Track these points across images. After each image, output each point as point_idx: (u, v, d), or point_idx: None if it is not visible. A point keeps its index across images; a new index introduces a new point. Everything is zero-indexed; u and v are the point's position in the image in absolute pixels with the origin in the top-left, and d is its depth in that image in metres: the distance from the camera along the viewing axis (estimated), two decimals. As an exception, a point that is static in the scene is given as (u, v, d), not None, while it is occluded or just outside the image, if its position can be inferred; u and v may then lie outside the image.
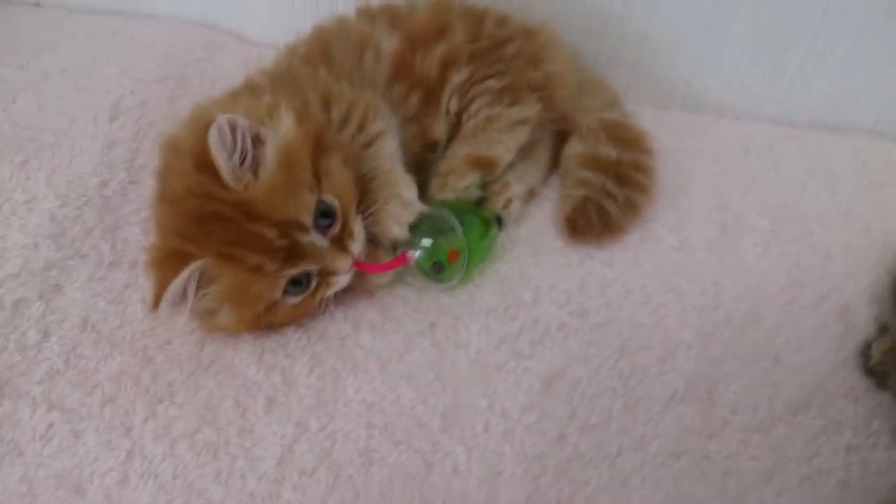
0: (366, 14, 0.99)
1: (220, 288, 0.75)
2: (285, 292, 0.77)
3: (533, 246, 0.95)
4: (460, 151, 0.93)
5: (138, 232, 0.91)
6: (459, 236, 0.84)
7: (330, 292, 0.80)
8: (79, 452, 0.73)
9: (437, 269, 0.85)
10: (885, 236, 0.99)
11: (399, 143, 0.87)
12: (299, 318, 0.82)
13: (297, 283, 0.77)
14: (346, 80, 0.90)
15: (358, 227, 0.79)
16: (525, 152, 0.98)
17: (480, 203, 0.95)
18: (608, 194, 0.96)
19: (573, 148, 1.01)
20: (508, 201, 0.95)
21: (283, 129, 0.75)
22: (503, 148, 0.94)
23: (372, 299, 0.87)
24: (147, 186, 0.95)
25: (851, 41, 1.11)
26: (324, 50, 0.94)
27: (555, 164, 1.04)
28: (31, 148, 0.98)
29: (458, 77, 0.94)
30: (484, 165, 0.93)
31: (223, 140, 0.71)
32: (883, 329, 0.86)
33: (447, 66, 0.94)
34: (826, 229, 1.00)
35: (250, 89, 0.88)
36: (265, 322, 0.79)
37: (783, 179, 1.07)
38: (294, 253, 0.75)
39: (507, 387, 0.80)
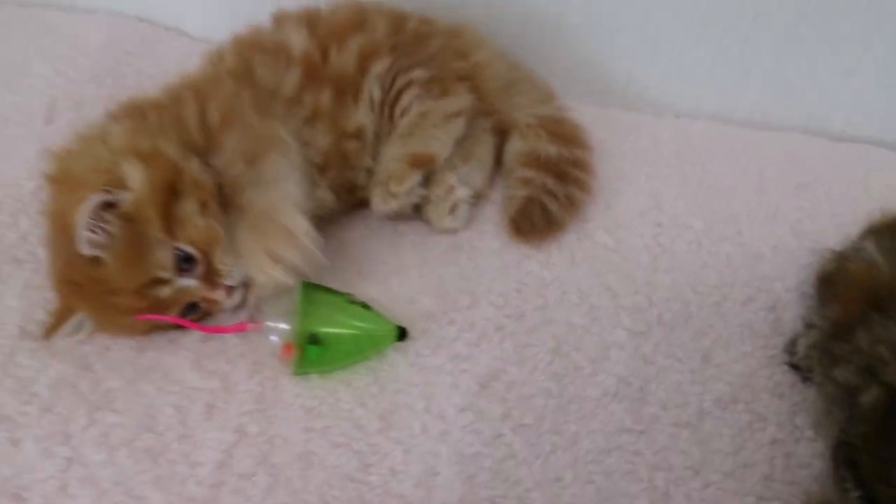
0: (279, 19, 0.98)
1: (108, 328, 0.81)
2: (182, 314, 0.79)
3: (470, 248, 0.96)
4: (397, 152, 0.93)
5: (76, 237, 0.90)
6: (294, 331, 0.79)
7: (222, 309, 0.83)
8: (17, 460, 0.73)
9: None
10: (813, 236, 1.02)
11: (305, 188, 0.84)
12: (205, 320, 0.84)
13: (192, 307, 0.80)
14: (270, 97, 0.88)
15: (226, 264, 0.79)
16: (466, 154, 0.99)
17: (421, 207, 0.96)
18: (550, 193, 0.97)
19: (515, 146, 1.03)
20: (454, 206, 0.95)
21: (133, 185, 0.75)
22: (439, 143, 0.94)
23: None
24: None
25: (781, 40, 1.14)
26: (247, 66, 0.90)
27: (497, 163, 1.05)
28: (-38, 151, 0.97)
29: (379, 66, 0.93)
30: (423, 163, 0.93)
31: (89, 231, 0.73)
32: (809, 326, 0.90)
33: (366, 57, 0.93)
34: (756, 230, 1.04)
35: (141, 113, 0.84)
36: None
37: (715, 180, 1.10)
38: (162, 304, 0.77)
39: (444, 389, 0.82)
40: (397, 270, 0.92)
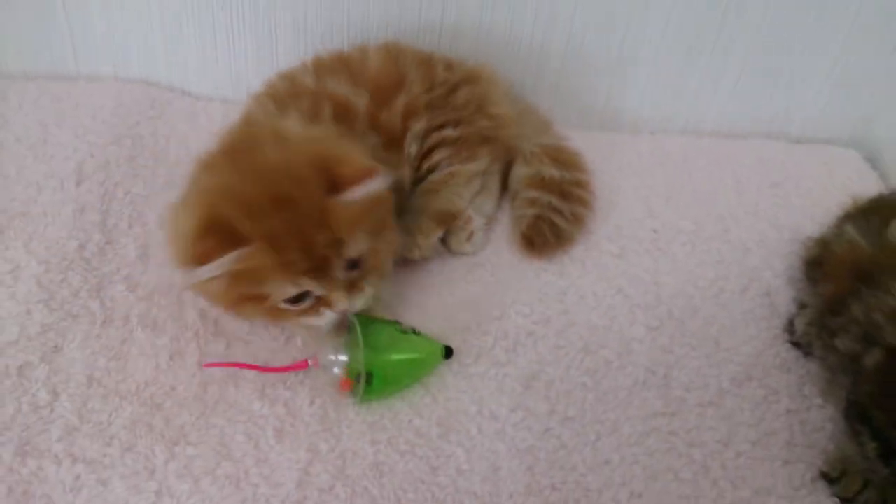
0: (321, 68, 1.03)
1: (241, 267, 0.78)
2: (296, 299, 0.83)
3: (492, 266, 1.05)
4: (425, 207, 1.01)
5: (123, 289, 0.96)
6: (356, 362, 0.85)
7: (310, 320, 0.86)
8: (109, 499, 0.77)
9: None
10: (791, 227, 1.13)
11: None
12: (270, 322, 0.87)
13: (297, 299, 0.83)
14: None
15: (370, 289, 0.86)
16: (480, 188, 1.09)
17: (444, 239, 1.04)
18: (556, 210, 1.07)
19: (520, 171, 1.12)
20: (471, 234, 1.04)
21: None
22: (462, 201, 1.04)
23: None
24: (122, 245, 1.01)
25: (742, 57, 1.26)
26: (350, 119, 0.97)
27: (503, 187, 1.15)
28: (3, 219, 1.01)
29: (417, 126, 1.01)
30: (448, 220, 1.03)
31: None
32: (802, 306, 1.00)
33: (407, 116, 1.01)
34: (740, 226, 1.14)
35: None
36: (239, 309, 0.85)
37: (697, 186, 1.20)
38: (320, 268, 0.81)
39: (491, 392, 0.90)
40: (429, 291, 1.00)
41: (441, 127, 1.03)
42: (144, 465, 0.80)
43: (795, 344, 0.98)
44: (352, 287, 0.85)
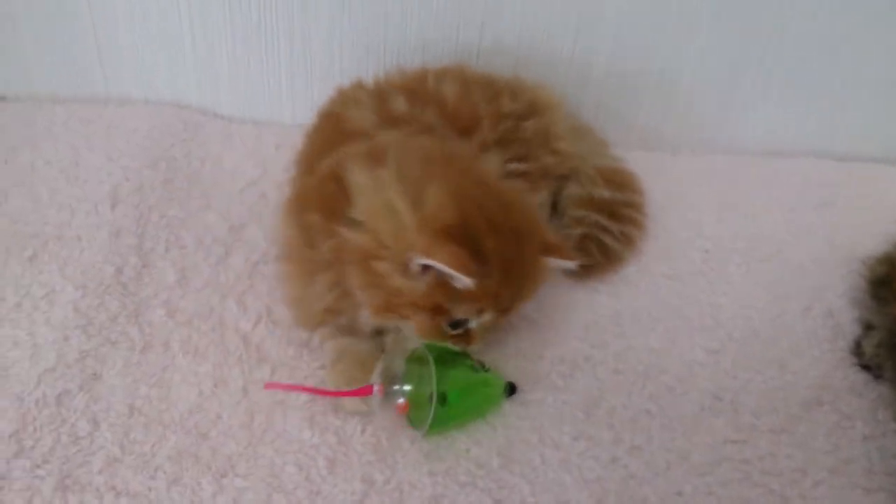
0: (410, 94, 0.99)
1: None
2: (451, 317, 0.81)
3: (544, 287, 1.00)
4: None
5: (163, 314, 0.92)
6: (429, 393, 0.80)
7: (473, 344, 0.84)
8: (156, 536, 0.73)
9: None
10: (846, 246, 1.09)
11: None
12: (417, 326, 0.81)
13: (456, 323, 0.81)
14: None
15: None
16: None
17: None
18: (604, 229, 1.03)
19: (571, 190, 1.08)
20: None
21: None
22: None
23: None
24: (160, 269, 0.97)
25: (786, 77, 1.23)
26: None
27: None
28: (36, 243, 0.98)
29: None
30: None
31: None
32: (868, 327, 0.95)
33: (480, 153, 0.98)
34: (794, 246, 1.10)
35: None
36: (405, 310, 0.80)
37: (746, 204, 1.17)
38: (506, 311, 0.83)
39: (552, 420, 0.85)
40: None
41: (507, 162, 0.99)
42: (191, 500, 0.76)
43: (865, 367, 0.93)
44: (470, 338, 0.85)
